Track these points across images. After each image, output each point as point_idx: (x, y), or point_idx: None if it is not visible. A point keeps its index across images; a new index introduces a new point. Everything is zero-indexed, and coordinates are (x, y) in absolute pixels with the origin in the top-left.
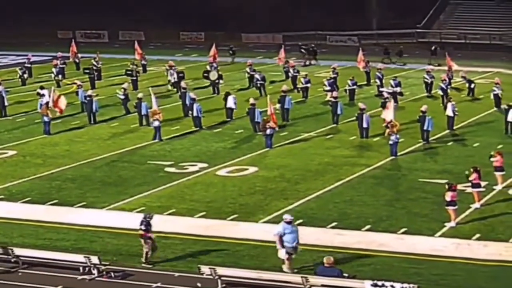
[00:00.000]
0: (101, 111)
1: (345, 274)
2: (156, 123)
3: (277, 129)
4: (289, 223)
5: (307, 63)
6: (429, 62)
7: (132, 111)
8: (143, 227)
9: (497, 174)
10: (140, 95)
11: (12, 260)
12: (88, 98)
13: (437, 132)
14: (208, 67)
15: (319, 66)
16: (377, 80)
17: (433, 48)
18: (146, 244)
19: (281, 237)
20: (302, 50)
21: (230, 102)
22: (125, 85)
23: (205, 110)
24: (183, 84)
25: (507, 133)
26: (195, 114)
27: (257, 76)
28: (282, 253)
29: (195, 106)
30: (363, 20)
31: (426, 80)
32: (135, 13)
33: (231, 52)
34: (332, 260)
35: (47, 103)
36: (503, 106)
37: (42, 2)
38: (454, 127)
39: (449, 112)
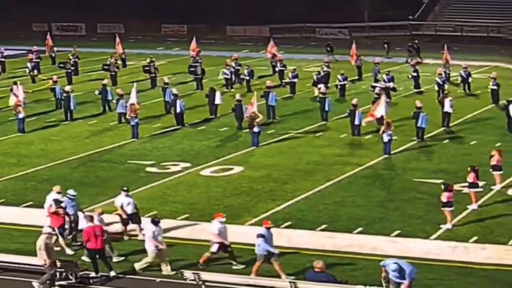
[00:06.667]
0: (78, 108)
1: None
2: (135, 120)
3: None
4: None
5: (410, 60)
6: (407, 59)
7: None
8: None
9: (495, 173)
10: (119, 91)
11: None
12: (65, 95)
13: (432, 129)
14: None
15: (309, 60)
16: (375, 75)
17: (409, 44)
18: None
19: None
20: (410, 49)
21: (218, 98)
22: (105, 81)
23: (187, 107)
24: (165, 79)
25: (510, 130)
26: (178, 110)
27: (245, 71)
28: None
29: (178, 102)
30: (354, 12)
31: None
32: (114, 4)
33: (328, 49)
34: (322, 264)
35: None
36: (502, 102)
37: None
38: (450, 124)
39: (447, 108)
